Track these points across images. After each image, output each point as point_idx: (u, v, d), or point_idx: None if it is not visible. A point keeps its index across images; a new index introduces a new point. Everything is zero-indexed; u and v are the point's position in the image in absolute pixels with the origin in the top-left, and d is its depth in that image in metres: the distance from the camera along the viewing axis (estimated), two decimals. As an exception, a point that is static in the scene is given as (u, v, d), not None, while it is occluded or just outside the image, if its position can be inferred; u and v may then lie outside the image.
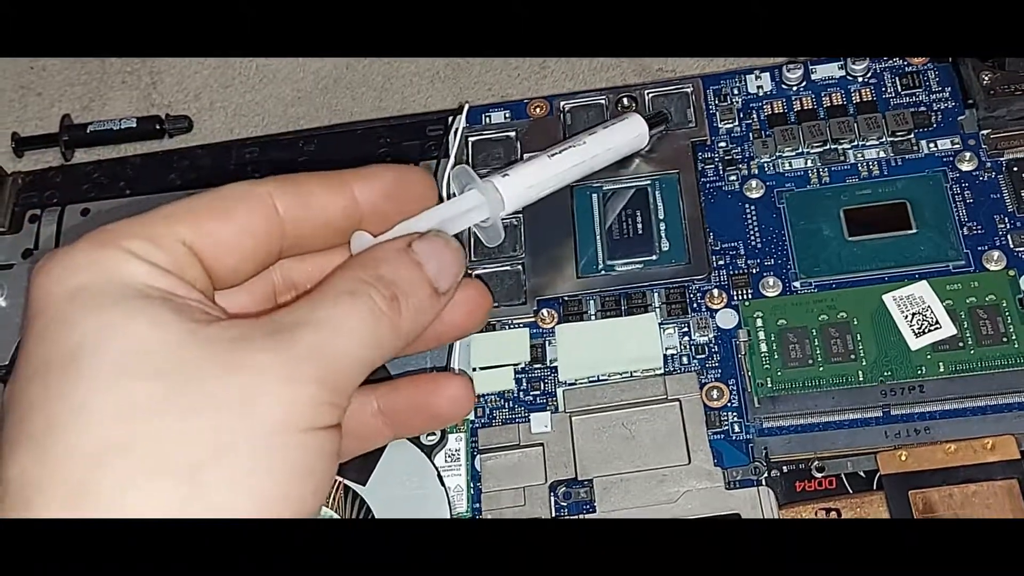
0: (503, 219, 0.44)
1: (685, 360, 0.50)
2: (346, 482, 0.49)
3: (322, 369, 0.26)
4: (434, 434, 0.49)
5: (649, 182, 0.55)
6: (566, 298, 0.53)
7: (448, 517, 0.47)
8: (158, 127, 0.66)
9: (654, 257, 0.53)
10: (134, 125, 0.66)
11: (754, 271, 0.52)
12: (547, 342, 0.52)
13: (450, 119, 0.59)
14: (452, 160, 0.58)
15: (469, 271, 0.55)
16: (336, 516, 0.48)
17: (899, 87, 0.56)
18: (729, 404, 0.49)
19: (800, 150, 0.55)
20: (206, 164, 0.62)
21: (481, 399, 0.51)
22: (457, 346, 0.52)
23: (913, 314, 0.49)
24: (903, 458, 0.45)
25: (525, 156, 0.56)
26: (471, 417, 0.51)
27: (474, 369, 0.52)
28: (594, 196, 0.55)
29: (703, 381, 0.50)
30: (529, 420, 0.50)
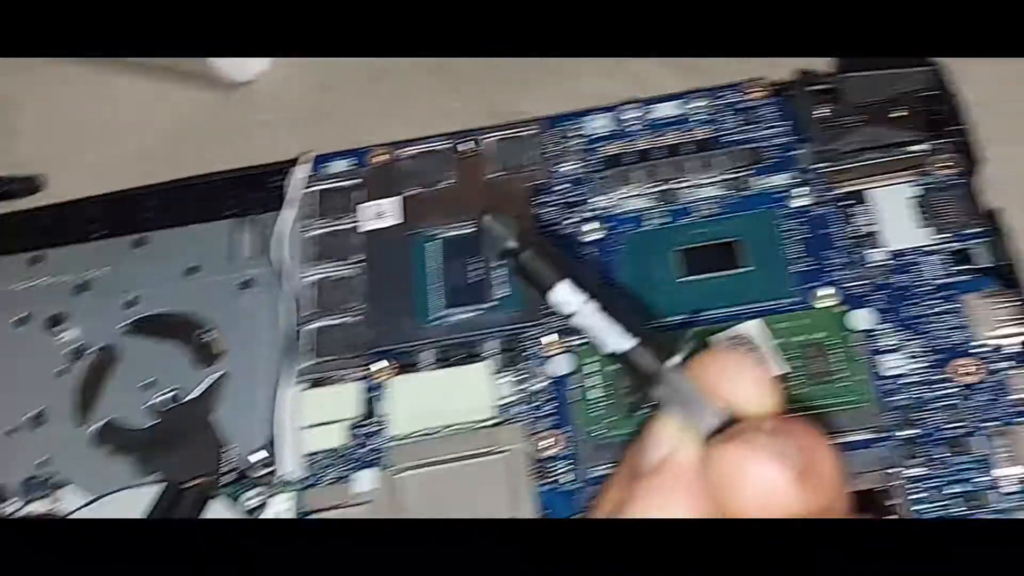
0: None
1: (519, 409, 0.49)
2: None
3: None
4: (255, 497, 0.48)
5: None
6: (401, 350, 0.52)
7: None
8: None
9: (491, 305, 0.52)
10: None
11: (590, 315, 0.51)
12: (378, 396, 0.51)
13: (290, 170, 0.58)
14: (295, 211, 0.57)
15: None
16: None
17: (735, 124, 0.55)
18: (559, 454, 0.48)
19: (636, 192, 0.54)
20: (46, 224, 0.60)
21: (312, 457, 0.50)
22: (280, 402, 0.50)
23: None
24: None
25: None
26: (298, 477, 0.49)
27: (303, 428, 0.50)
28: (427, 245, 0.54)
29: (534, 430, 0.48)
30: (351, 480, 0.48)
